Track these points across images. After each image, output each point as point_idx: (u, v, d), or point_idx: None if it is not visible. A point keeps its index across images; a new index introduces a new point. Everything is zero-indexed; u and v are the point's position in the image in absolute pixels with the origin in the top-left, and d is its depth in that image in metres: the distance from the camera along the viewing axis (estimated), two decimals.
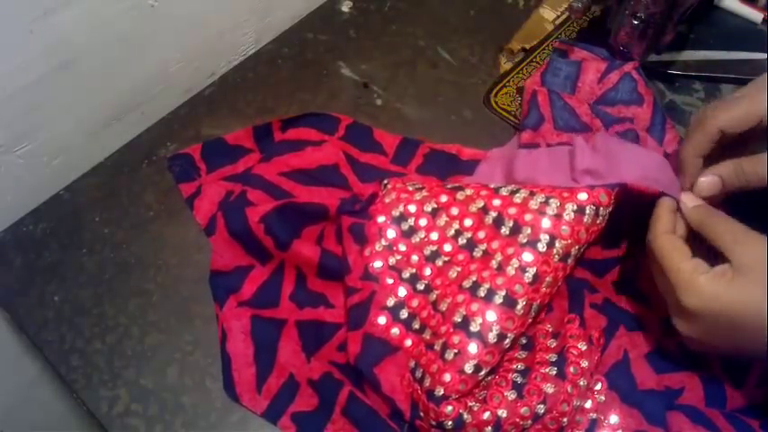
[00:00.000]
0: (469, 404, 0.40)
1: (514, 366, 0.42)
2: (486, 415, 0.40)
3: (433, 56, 0.63)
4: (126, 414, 0.46)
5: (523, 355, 0.44)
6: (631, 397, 0.43)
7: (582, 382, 0.42)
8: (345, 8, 0.67)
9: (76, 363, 0.47)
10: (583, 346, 0.43)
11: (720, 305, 0.37)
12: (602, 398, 0.43)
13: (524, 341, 0.45)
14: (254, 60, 0.63)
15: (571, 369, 0.41)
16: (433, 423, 0.40)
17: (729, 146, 0.43)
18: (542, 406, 0.40)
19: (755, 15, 0.63)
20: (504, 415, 0.40)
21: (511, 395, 0.40)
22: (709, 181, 0.43)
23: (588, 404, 0.43)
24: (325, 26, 0.65)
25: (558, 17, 0.66)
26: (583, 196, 0.42)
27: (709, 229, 0.40)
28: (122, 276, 0.51)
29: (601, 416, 0.43)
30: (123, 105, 0.56)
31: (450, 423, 0.40)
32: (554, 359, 0.42)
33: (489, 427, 0.40)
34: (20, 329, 0.50)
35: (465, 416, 0.40)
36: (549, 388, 0.40)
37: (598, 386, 0.44)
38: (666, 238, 0.41)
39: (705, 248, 0.40)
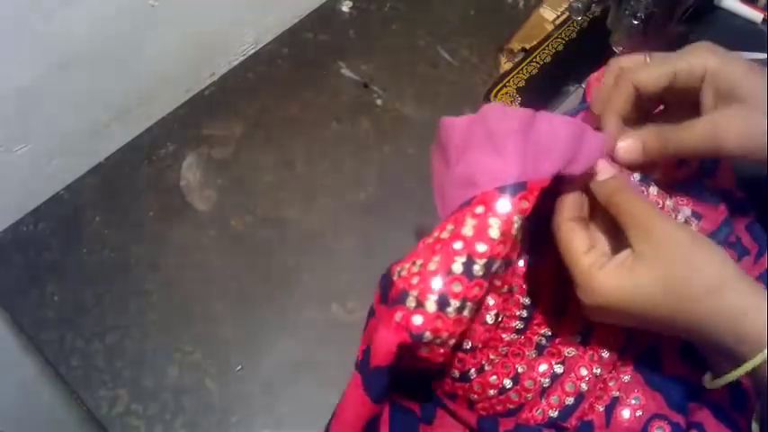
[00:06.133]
0: (491, 357, 0.41)
1: (542, 331, 0.43)
2: (493, 378, 0.41)
3: (433, 56, 0.63)
4: (126, 414, 0.46)
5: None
6: (656, 380, 0.43)
7: (605, 354, 0.42)
8: (345, 8, 0.67)
9: (76, 363, 0.47)
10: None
11: (622, 298, 0.34)
12: (628, 377, 0.43)
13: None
14: (253, 60, 0.63)
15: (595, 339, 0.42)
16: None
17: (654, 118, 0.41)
18: (561, 366, 0.41)
19: (755, 15, 0.63)
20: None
21: (532, 354, 0.42)
22: (628, 144, 0.39)
23: (612, 383, 0.43)
24: (326, 26, 0.65)
25: (558, 17, 0.66)
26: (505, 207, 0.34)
27: (616, 207, 0.36)
28: (122, 276, 0.51)
29: (623, 394, 0.43)
30: (123, 105, 0.56)
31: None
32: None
33: (507, 379, 0.41)
34: (20, 329, 0.50)
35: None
36: (570, 352, 0.41)
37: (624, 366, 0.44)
38: (567, 227, 0.36)
39: (609, 225, 0.37)
